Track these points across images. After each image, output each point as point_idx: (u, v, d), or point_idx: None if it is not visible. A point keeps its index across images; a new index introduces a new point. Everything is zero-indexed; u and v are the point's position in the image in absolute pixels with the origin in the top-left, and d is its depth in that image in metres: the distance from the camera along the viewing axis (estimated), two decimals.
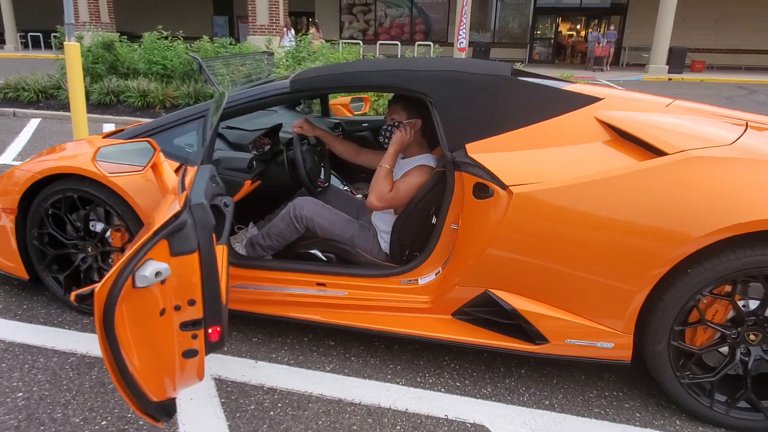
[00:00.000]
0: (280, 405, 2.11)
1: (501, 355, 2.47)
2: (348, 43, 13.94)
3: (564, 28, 24.29)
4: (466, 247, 2.20)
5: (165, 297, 1.35)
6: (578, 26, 24.35)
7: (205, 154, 1.82)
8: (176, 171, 2.37)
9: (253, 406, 2.09)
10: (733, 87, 15.30)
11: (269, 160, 2.82)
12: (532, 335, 2.13)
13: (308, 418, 2.04)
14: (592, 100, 2.23)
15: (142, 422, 1.97)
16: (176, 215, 1.35)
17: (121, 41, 8.89)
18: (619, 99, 2.28)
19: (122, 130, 2.91)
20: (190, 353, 1.42)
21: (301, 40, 8.81)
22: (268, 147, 2.90)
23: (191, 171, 1.75)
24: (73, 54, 4.68)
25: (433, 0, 23.86)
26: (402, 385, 2.25)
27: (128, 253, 1.28)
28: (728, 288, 1.97)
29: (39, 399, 2.09)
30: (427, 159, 2.49)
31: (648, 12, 20.39)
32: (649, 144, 2.00)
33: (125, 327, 1.27)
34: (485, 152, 2.17)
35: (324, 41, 9.70)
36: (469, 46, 18.46)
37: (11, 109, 8.46)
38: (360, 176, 3.68)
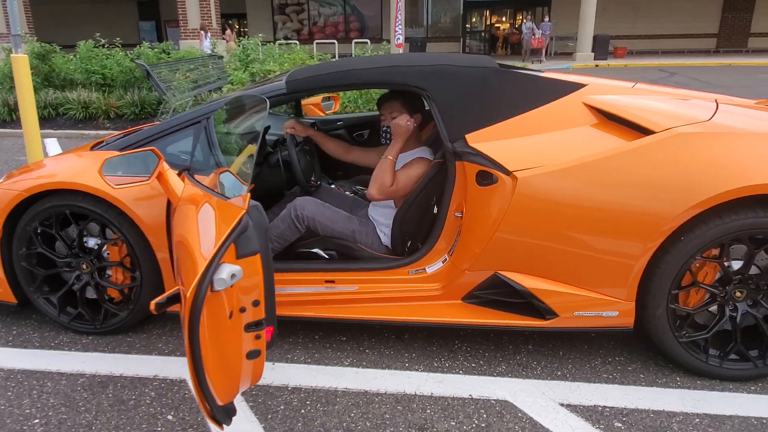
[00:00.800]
0: (308, 402, 2.13)
1: (507, 333, 2.59)
2: (282, 43, 13.77)
3: (494, 20, 25.00)
4: (473, 233, 2.29)
5: (231, 300, 1.35)
6: (504, 18, 25.12)
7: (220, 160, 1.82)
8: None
9: (282, 407, 2.11)
10: (655, 70, 16.31)
11: (261, 163, 2.82)
12: (543, 311, 2.26)
13: (339, 412, 2.08)
14: (577, 86, 2.37)
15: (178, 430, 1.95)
16: (242, 218, 1.36)
17: (55, 51, 8.44)
18: (599, 84, 2.44)
19: (101, 142, 2.82)
20: (253, 354, 1.43)
21: (214, 45, 8.68)
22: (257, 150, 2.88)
23: (209, 177, 1.75)
24: (21, 66, 4.43)
25: None
26: (421, 371, 2.33)
27: (206, 258, 1.28)
28: (716, 251, 2.16)
29: (58, 423, 2.02)
30: (423, 152, 2.57)
31: (570, 2, 21.36)
32: (637, 124, 2.17)
33: (205, 333, 1.28)
34: (485, 141, 2.28)
35: (237, 43, 9.30)
36: (405, 41, 18.69)
37: None
38: (338, 174, 3.71)
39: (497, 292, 2.32)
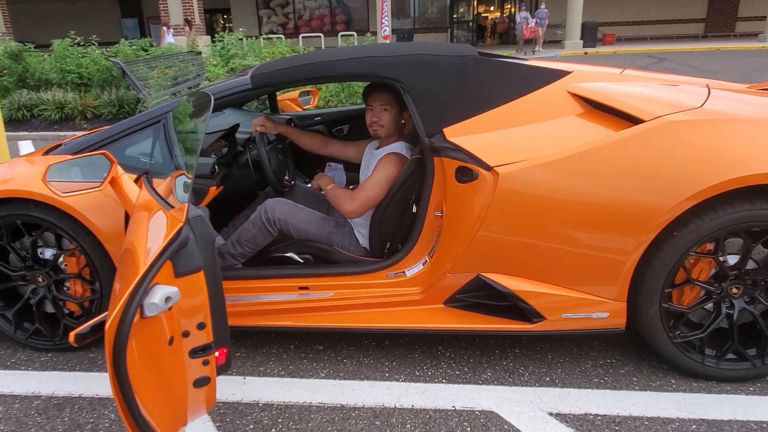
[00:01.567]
0: (280, 420, 1.99)
1: (493, 337, 2.46)
2: (267, 38, 13.52)
3: (482, 10, 24.77)
4: (454, 233, 2.15)
5: (172, 324, 1.20)
6: (492, 8, 24.90)
7: (179, 162, 1.66)
8: (135, 183, 2.17)
9: (251, 426, 1.97)
10: (644, 56, 16.18)
11: (230, 163, 2.66)
12: (529, 314, 2.12)
13: (313, 429, 1.94)
14: (562, 74, 2.23)
15: None
16: (179, 231, 1.21)
17: (29, 50, 8.19)
18: (585, 71, 2.30)
19: (59, 145, 2.65)
20: (202, 382, 1.28)
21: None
22: (226, 149, 2.73)
23: (166, 182, 1.59)
24: None
25: None
26: (402, 381, 2.19)
27: (133, 281, 1.13)
28: (710, 246, 2.03)
29: None
30: (400, 147, 2.41)
31: None
32: (625, 113, 2.02)
33: (135, 363, 1.13)
34: (464, 135, 2.13)
35: (194, 38, 9.11)
36: (392, 33, 18.45)
37: None
38: (316, 172, 3.55)
39: (481, 295, 2.18)
